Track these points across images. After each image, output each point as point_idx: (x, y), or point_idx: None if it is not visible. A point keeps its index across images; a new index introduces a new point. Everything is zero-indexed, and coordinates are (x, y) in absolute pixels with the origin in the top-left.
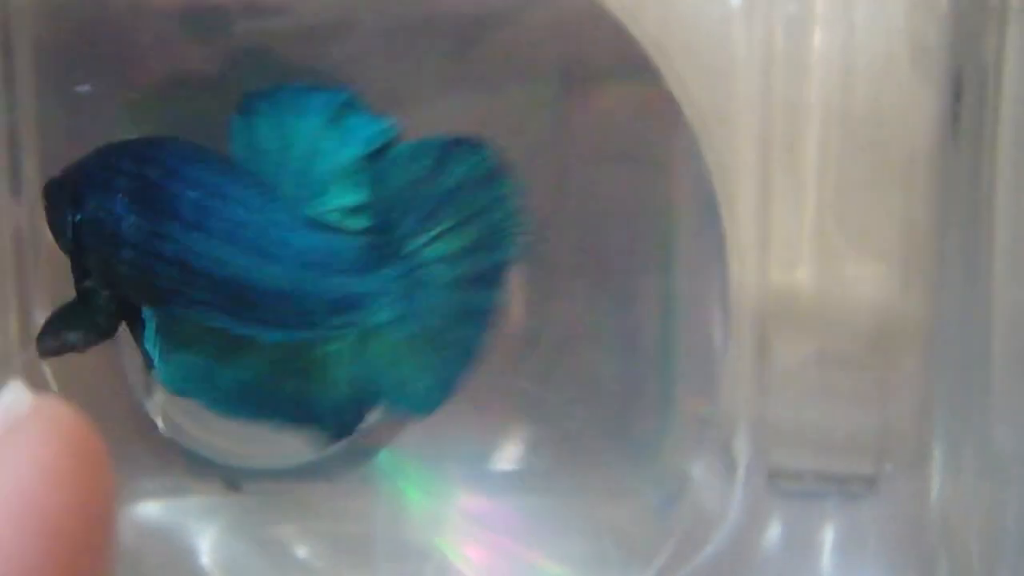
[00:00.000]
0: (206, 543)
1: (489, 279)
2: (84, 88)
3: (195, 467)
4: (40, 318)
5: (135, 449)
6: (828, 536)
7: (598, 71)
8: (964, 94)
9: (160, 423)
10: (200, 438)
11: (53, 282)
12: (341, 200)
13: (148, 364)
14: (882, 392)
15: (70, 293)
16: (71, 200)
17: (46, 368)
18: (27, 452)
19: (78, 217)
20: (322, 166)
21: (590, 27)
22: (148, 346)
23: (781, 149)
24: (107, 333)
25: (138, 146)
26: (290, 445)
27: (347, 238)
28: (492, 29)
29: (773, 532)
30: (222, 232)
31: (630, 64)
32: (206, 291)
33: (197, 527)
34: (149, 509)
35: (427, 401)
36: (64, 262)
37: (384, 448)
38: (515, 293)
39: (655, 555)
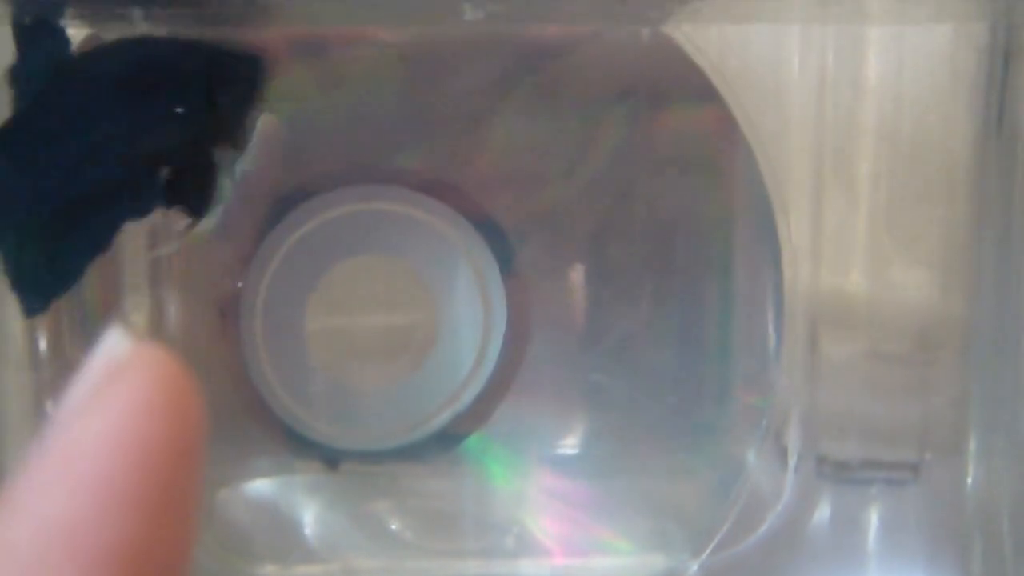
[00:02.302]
0: (309, 517)
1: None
2: None
3: (300, 448)
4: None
5: (248, 431)
6: (873, 519)
7: (663, 92)
8: (1002, 118)
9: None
10: (305, 421)
11: None
12: None
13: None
14: (923, 386)
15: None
16: None
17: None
18: (127, 393)
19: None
20: None
21: (656, 53)
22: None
23: (833, 166)
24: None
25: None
26: (386, 430)
27: None
28: (568, 54)
29: (822, 514)
30: None
31: (692, 86)
32: None
33: (301, 502)
34: (259, 486)
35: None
36: None
37: (473, 434)
38: (587, 293)
39: (713, 533)
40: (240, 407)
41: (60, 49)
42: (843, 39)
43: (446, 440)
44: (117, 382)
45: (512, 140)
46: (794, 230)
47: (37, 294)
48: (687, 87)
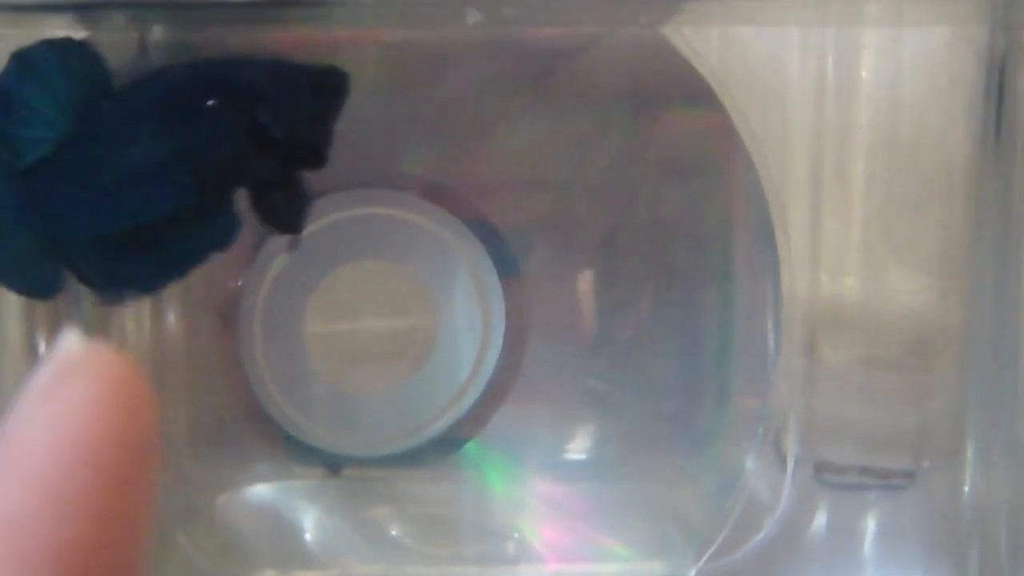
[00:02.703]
0: (310, 522)
1: None
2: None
3: (299, 454)
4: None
5: (249, 437)
6: (870, 525)
7: (664, 98)
8: (1000, 122)
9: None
10: (305, 428)
11: None
12: None
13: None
14: (920, 393)
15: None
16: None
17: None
18: (76, 390)
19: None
20: None
21: (656, 59)
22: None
23: (831, 170)
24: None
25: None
26: (385, 435)
27: None
28: (568, 60)
29: (819, 520)
30: None
31: (693, 92)
32: None
33: (301, 508)
34: (259, 491)
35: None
36: None
37: (471, 440)
38: (586, 299)
39: (711, 539)
40: (239, 412)
41: (97, 71)
42: (841, 43)
43: (445, 445)
44: (68, 380)
45: (512, 146)
46: (792, 236)
47: (108, 299)
48: (687, 92)
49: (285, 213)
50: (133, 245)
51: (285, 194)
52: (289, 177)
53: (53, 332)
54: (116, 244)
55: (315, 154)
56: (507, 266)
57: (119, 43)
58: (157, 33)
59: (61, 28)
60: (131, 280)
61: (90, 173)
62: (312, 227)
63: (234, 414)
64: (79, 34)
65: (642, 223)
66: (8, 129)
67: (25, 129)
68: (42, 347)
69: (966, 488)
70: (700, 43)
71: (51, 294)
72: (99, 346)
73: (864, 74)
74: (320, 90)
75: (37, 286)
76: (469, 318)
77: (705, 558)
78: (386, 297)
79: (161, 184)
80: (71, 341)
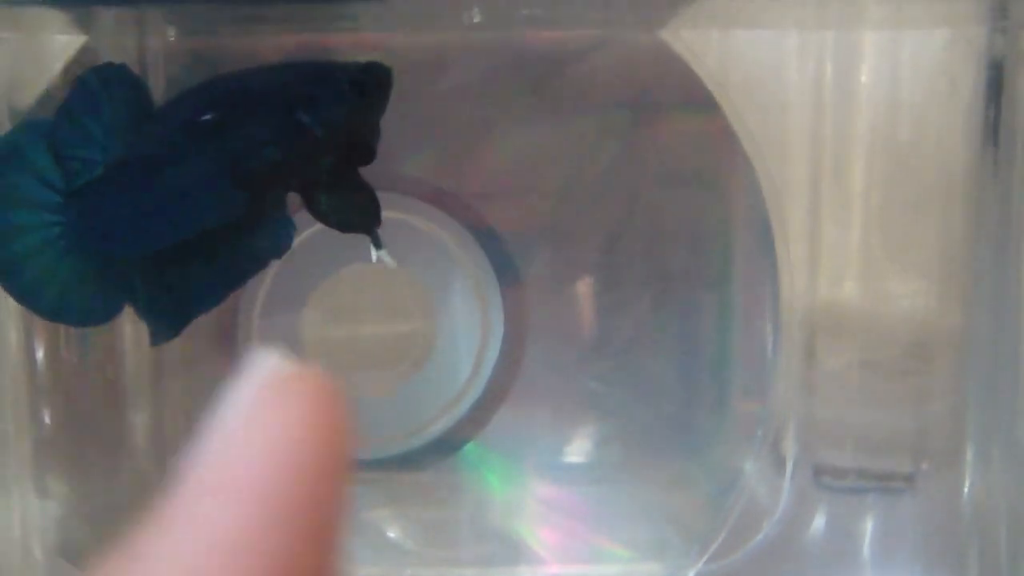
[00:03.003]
0: None
1: None
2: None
3: None
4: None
5: None
6: (868, 527)
7: (664, 104)
8: (998, 125)
9: None
10: None
11: None
12: None
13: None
14: (919, 396)
15: None
16: None
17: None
18: (289, 412)
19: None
20: None
21: (657, 65)
22: None
23: (830, 175)
24: None
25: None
26: (385, 437)
27: None
28: (568, 65)
29: (818, 523)
30: None
31: (692, 97)
32: None
33: None
34: None
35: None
36: None
37: (471, 442)
38: (585, 302)
39: (710, 541)
40: None
41: (138, 94)
42: (840, 47)
43: (444, 447)
44: (279, 400)
45: (512, 150)
46: (791, 240)
47: (165, 324)
48: (686, 97)
49: (348, 212)
50: (188, 259)
51: (341, 194)
52: (342, 176)
53: (50, 335)
54: (170, 260)
55: (363, 150)
56: (506, 270)
57: (119, 46)
58: (155, 36)
59: (60, 32)
60: (190, 294)
61: (137, 193)
62: (312, 230)
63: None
64: (79, 38)
65: (642, 227)
66: (67, 150)
67: (81, 150)
68: (39, 351)
69: (965, 491)
70: (699, 47)
71: (107, 321)
72: (308, 367)
73: (863, 78)
74: (363, 86)
75: (94, 314)
76: (468, 321)
77: (704, 560)
78: (385, 300)
79: (206, 197)
80: (274, 362)
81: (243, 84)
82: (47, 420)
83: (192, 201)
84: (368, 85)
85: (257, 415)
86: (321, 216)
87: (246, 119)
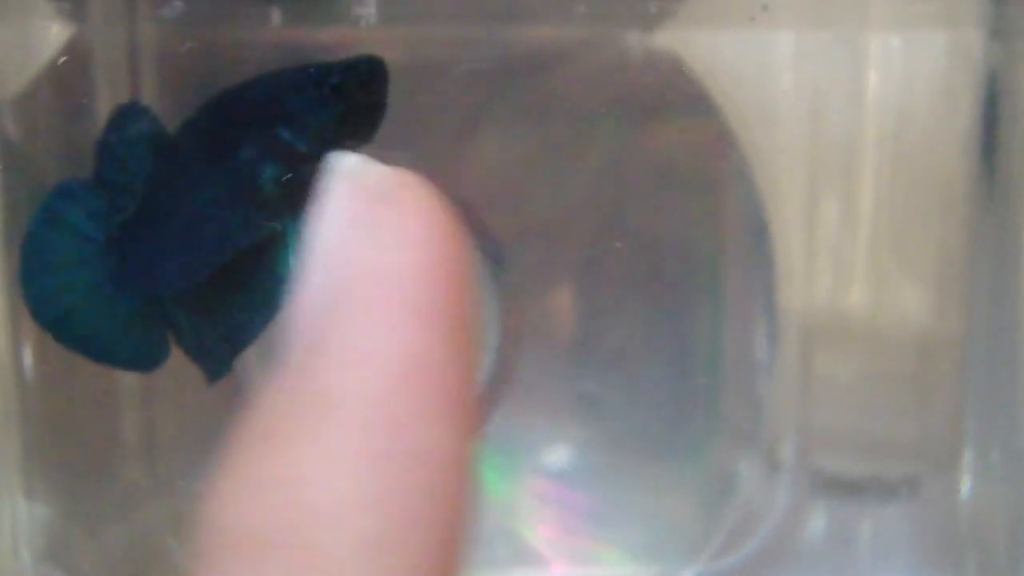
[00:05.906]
0: None
1: None
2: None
3: None
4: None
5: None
6: (866, 533)
7: (657, 105)
8: (998, 132)
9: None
10: None
11: None
12: None
13: None
14: (918, 402)
15: None
16: None
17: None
18: (399, 221)
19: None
20: None
21: (650, 65)
22: None
23: (829, 179)
24: None
25: None
26: None
27: None
28: (559, 68)
29: (815, 528)
30: None
31: (687, 98)
32: None
33: None
34: None
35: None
36: None
37: None
38: (578, 305)
39: (705, 545)
40: (231, 417)
41: (152, 129)
42: (837, 52)
43: None
44: (383, 208)
45: (504, 153)
46: (788, 245)
47: (216, 359)
48: (681, 100)
49: None
50: (228, 287)
51: None
52: None
53: (38, 337)
54: (210, 294)
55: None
56: (499, 273)
57: (109, 36)
58: (146, 26)
59: (49, 20)
60: (234, 324)
61: (164, 225)
62: None
63: (225, 419)
64: (67, 30)
65: (635, 230)
66: (111, 176)
67: (121, 175)
68: (27, 356)
69: (963, 497)
70: (694, 51)
71: (157, 366)
72: (405, 173)
73: (860, 84)
74: (348, 88)
75: (144, 357)
76: None
77: (699, 565)
78: None
79: (228, 221)
80: (362, 166)
81: (240, 99)
82: (36, 423)
83: (215, 227)
84: (353, 86)
85: (361, 223)
86: None
87: (242, 138)
